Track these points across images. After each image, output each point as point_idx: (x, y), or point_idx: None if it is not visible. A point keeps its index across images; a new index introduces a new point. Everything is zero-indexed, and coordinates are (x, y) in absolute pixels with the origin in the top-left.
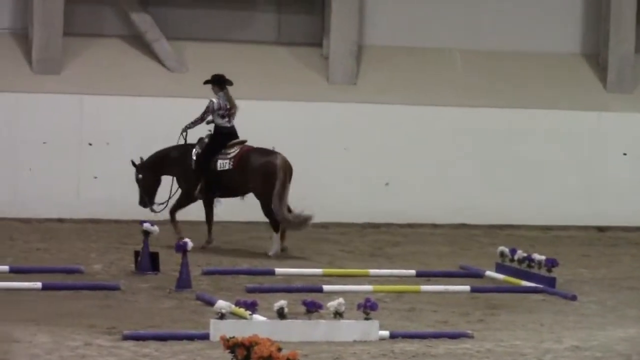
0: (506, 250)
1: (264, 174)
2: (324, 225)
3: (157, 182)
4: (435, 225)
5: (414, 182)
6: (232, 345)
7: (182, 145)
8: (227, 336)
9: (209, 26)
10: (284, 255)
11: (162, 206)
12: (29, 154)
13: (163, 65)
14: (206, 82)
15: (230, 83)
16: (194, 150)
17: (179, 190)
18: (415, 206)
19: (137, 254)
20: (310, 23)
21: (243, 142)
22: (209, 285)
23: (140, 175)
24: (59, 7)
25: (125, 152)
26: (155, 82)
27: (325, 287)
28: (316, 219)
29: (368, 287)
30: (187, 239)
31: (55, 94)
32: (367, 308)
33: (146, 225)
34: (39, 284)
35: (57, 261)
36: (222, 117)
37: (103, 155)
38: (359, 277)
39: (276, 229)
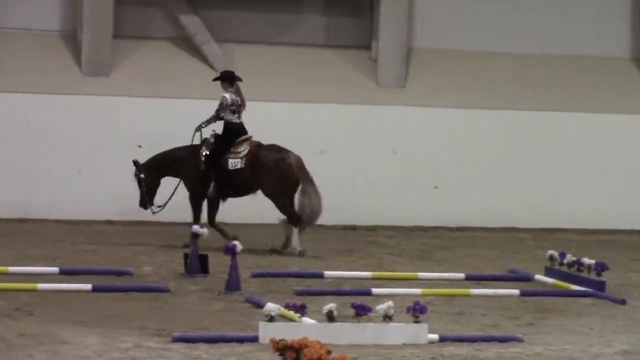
0: (555, 254)
1: (279, 172)
2: (373, 228)
3: (159, 183)
4: (484, 229)
5: (463, 186)
6: (281, 348)
7: (186, 146)
8: (277, 339)
9: (258, 29)
10: (332, 259)
11: (159, 208)
12: (78, 155)
13: (212, 67)
14: (215, 79)
15: (240, 79)
16: (202, 150)
17: (176, 192)
18: (464, 209)
19: (186, 256)
20: (359, 26)
21: (249, 137)
22: (258, 288)
23: (143, 176)
24: (108, 9)
25: None
26: (204, 85)
27: (375, 290)
28: (365, 222)
29: (417, 291)
30: (236, 242)
31: (105, 95)
32: (417, 311)
33: (195, 228)
34: (88, 286)
35: (106, 263)
36: (233, 112)
37: None
38: (408, 280)
39: (296, 224)
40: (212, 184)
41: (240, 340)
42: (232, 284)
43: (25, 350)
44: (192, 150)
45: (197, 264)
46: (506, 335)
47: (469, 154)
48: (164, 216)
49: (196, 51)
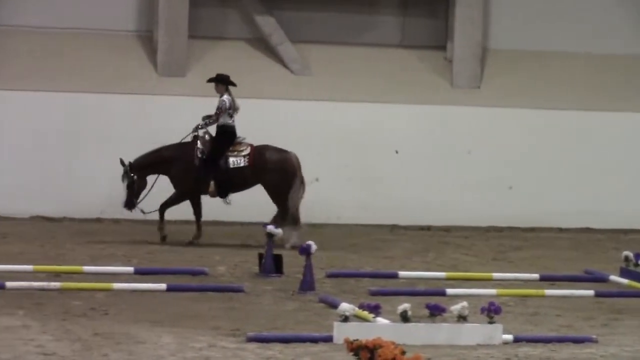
0: (631, 254)
1: (282, 170)
2: (447, 229)
3: (146, 183)
4: (559, 229)
5: (537, 186)
6: (355, 348)
7: (174, 145)
8: (351, 339)
9: (333, 29)
10: (406, 259)
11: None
12: None
13: (287, 68)
14: (210, 81)
15: (234, 84)
16: (198, 148)
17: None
18: (538, 210)
19: (261, 256)
20: (434, 26)
21: (244, 139)
22: (332, 288)
23: (134, 176)
24: (184, 10)
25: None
26: (280, 85)
27: (449, 291)
28: (440, 223)
29: (492, 291)
30: (311, 242)
31: (180, 96)
32: (491, 312)
33: (270, 228)
34: (163, 286)
35: (181, 263)
36: (230, 116)
37: None
38: (482, 281)
39: (296, 221)
40: (212, 184)
41: (315, 340)
42: (307, 284)
43: (100, 349)
44: (181, 148)
45: (272, 264)
46: (581, 336)
47: (543, 154)
48: (238, 216)
49: (271, 52)
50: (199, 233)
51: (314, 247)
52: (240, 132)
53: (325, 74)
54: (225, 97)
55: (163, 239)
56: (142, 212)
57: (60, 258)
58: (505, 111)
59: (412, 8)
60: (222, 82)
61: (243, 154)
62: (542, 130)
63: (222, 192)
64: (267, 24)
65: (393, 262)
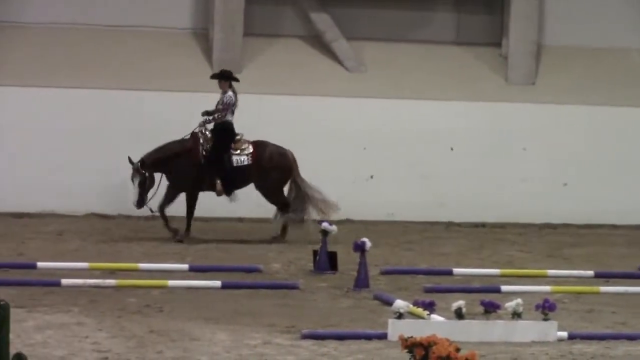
0: None
1: (282, 168)
2: (502, 226)
3: (154, 180)
4: (614, 226)
5: (592, 183)
6: (410, 345)
7: (176, 142)
8: (405, 336)
9: (388, 26)
10: (461, 256)
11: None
12: None
13: (342, 65)
14: (214, 77)
15: (238, 80)
16: (201, 145)
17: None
18: (593, 206)
19: (315, 253)
20: (489, 23)
21: (242, 135)
22: (386, 285)
23: (146, 173)
24: (239, 7)
25: (303, 152)
26: (334, 82)
27: (503, 288)
28: (494, 219)
29: (546, 288)
30: (365, 239)
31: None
32: (546, 309)
33: (325, 225)
34: (218, 283)
35: (236, 260)
36: (232, 113)
37: None
38: (537, 278)
39: (285, 211)
40: (218, 182)
41: (369, 337)
42: (361, 281)
43: (155, 346)
44: (185, 145)
45: (326, 261)
46: (635, 333)
47: (598, 151)
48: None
49: (326, 49)
50: (188, 231)
51: (368, 244)
52: (295, 130)
53: (379, 71)
54: (230, 93)
55: (175, 234)
56: (151, 210)
57: (116, 255)
58: (560, 108)
59: (467, 5)
60: (226, 79)
61: (246, 152)
62: (597, 127)
63: (227, 190)
64: (322, 21)
65: (448, 259)
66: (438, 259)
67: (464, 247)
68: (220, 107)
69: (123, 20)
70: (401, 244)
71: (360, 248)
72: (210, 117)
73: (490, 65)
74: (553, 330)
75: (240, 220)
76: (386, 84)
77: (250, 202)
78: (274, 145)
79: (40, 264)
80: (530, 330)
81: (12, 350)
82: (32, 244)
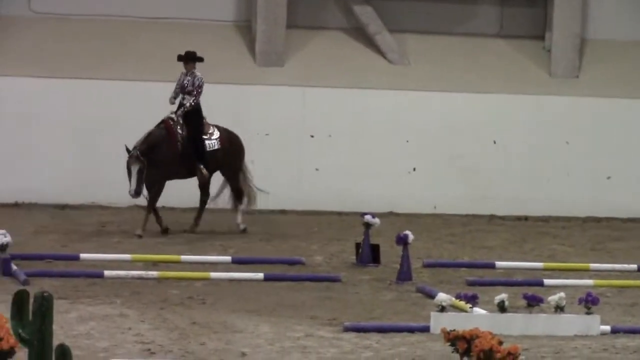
0: None
1: (241, 150)
2: (545, 219)
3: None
4: None
5: (636, 176)
6: (452, 338)
7: (155, 129)
8: (448, 329)
9: (431, 19)
10: (503, 249)
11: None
12: (252, 145)
13: (385, 57)
14: (180, 59)
15: (202, 60)
16: (179, 131)
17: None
18: (637, 200)
19: (358, 245)
20: (533, 16)
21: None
22: (429, 278)
23: (145, 162)
24: (282, 0)
25: (346, 145)
26: (377, 75)
27: (546, 281)
28: (537, 213)
29: (589, 282)
30: (408, 231)
31: (279, 86)
32: (589, 302)
33: (368, 217)
34: (260, 275)
35: (278, 252)
36: (201, 94)
37: (324, 148)
38: (579, 272)
39: (241, 200)
40: (202, 168)
41: (412, 330)
42: (404, 274)
43: (197, 338)
44: (163, 133)
45: (369, 254)
46: None
47: None
48: (337, 206)
49: (369, 41)
50: (160, 219)
51: (411, 236)
52: (338, 123)
53: (422, 63)
54: (199, 74)
55: (165, 231)
56: (146, 198)
57: (158, 247)
58: (604, 101)
59: None
60: (193, 60)
61: (215, 136)
62: None
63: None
64: (365, 13)
65: (490, 252)
66: (480, 252)
67: (507, 240)
68: (190, 88)
69: (166, 13)
70: (444, 237)
71: (402, 241)
72: (188, 104)
73: (533, 59)
74: (596, 324)
75: (283, 212)
76: (429, 77)
77: (291, 194)
78: (226, 128)
79: (83, 256)
80: (573, 324)
81: (55, 342)
82: (75, 235)
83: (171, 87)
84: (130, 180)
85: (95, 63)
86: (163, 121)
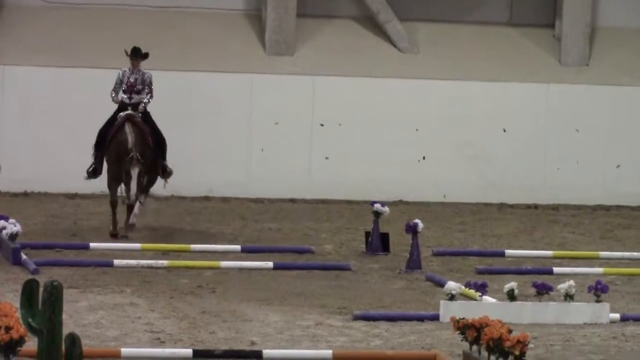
0: None
1: None
2: (555, 207)
3: None
4: None
5: None
6: (462, 327)
7: (129, 127)
8: (457, 317)
9: (441, 7)
10: (513, 238)
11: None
12: (262, 134)
13: (395, 46)
14: (132, 56)
15: (147, 56)
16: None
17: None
18: None
19: (367, 234)
20: (543, 4)
21: None
22: (439, 267)
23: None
24: None
25: (356, 133)
26: (387, 64)
27: (556, 269)
28: (547, 201)
29: (599, 270)
30: (417, 220)
31: (288, 75)
32: (598, 290)
33: (377, 206)
34: (270, 264)
35: (288, 241)
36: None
37: (334, 136)
38: (589, 260)
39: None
40: (165, 164)
41: (421, 319)
42: (413, 263)
43: (207, 327)
44: (136, 129)
45: (379, 243)
46: None
47: None
48: (347, 195)
49: (379, 30)
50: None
51: (420, 225)
52: (348, 112)
53: (432, 52)
54: (148, 71)
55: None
56: (141, 203)
57: (168, 236)
58: (614, 89)
59: None
60: (143, 57)
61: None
62: None
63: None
64: (375, 2)
65: (500, 241)
66: (490, 240)
67: (517, 228)
68: (140, 87)
69: (177, 2)
70: (453, 226)
71: (412, 229)
72: (147, 100)
73: (543, 47)
74: (605, 312)
75: (293, 201)
76: (439, 65)
77: (300, 182)
78: None
79: (93, 245)
80: (582, 312)
81: (65, 331)
82: (85, 224)
83: (184, 76)
84: (129, 184)
85: (105, 52)
86: (129, 119)
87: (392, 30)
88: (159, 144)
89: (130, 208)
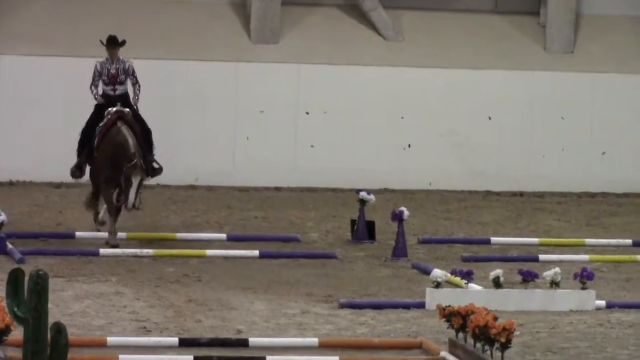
0: None
1: None
2: (540, 195)
3: None
4: None
5: (631, 151)
6: (448, 314)
7: (120, 128)
8: (443, 305)
9: None
10: (499, 225)
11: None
12: (247, 122)
13: (380, 34)
14: (109, 44)
15: (124, 43)
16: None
17: None
18: (632, 175)
19: (353, 222)
20: None
21: None
22: (424, 254)
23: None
24: None
25: (341, 121)
26: (372, 51)
27: (541, 257)
28: (533, 189)
29: (584, 257)
30: (403, 208)
31: (273, 63)
32: (584, 278)
33: (363, 194)
34: (256, 252)
35: (274, 229)
36: None
37: (320, 124)
38: (575, 247)
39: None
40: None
41: (407, 307)
42: (399, 251)
43: (193, 315)
44: (127, 128)
45: (364, 231)
46: None
47: (637, 119)
48: (332, 183)
49: (364, 18)
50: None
51: (406, 213)
52: (333, 100)
53: (417, 40)
54: (126, 58)
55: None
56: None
57: (154, 225)
58: (599, 76)
59: None
60: (120, 44)
61: None
62: (635, 95)
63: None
64: None
65: (485, 228)
66: (476, 228)
67: (502, 216)
68: (123, 77)
69: None
70: (439, 213)
71: (398, 217)
72: (137, 92)
73: (528, 34)
74: (591, 299)
75: (278, 189)
76: (424, 53)
77: (284, 171)
78: None
79: (78, 234)
80: (568, 299)
81: (51, 320)
82: (70, 214)
83: (169, 65)
84: (128, 192)
85: (89, 41)
86: (121, 117)
87: (377, 18)
88: (146, 138)
89: (118, 211)
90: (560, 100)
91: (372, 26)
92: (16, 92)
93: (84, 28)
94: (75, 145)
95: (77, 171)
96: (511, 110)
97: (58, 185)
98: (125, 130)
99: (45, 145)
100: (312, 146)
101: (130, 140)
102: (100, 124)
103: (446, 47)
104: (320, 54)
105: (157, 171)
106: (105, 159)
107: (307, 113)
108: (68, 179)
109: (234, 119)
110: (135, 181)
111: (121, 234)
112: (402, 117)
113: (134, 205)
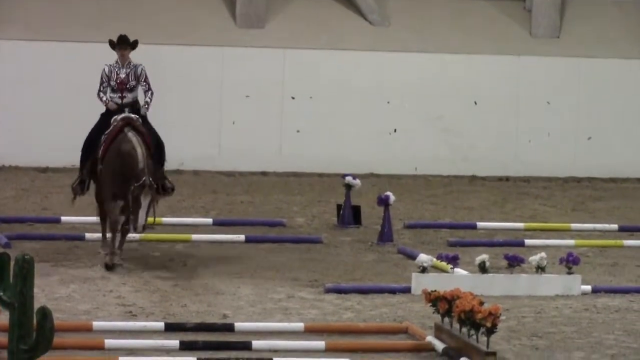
0: None
1: None
2: (526, 180)
3: None
4: (638, 180)
5: (616, 136)
6: (434, 299)
7: (130, 136)
8: (429, 290)
9: None
10: (485, 210)
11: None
12: (233, 107)
13: (366, 19)
14: (120, 43)
15: (137, 44)
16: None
17: None
18: (618, 160)
19: (339, 207)
20: None
21: None
22: (410, 239)
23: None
24: None
25: (327, 106)
26: (358, 36)
27: (527, 242)
28: (519, 173)
29: (570, 242)
30: (389, 193)
31: (259, 47)
32: (570, 262)
33: (349, 179)
34: (242, 237)
35: (260, 214)
36: None
37: (306, 109)
38: (561, 232)
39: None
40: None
41: (393, 291)
42: (385, 235)
43: (179, 300)
44: (138, 137)
45: (350, 215)
46: None
47: (623, 104)
48: (318, 168)
49: (350, 3)
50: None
51: (392, 198)
52: (319, 84)
53: (403, 24)
54: (137, 62)
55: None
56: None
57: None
58: (585, 61)
59: None
60: (132, 45)
61: None
62: (621, 80)
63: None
64: None
65: (471, 213)
66: (462, 212)
67: (488, 201)
68: (134, 83)
69: None
70: (425, 198)
71: (384, 202)
72: (148, 100)
73: (514, 19)
74: (577, 284)
75: (264, 174)
76: (410, 38)
77: (272, 156)
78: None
79: (64, 219)
80: (554, 283)
81: (37, 305)
82: (56, 198)
83: (154, 49)
84: (137, 214)
85: (76, 25)
86: (129, 123)
87: (363, 3)
88: (157, 149)
89: (125, 233)
90: (546, 85)
91: (358, 11)
92: (3, 76)
93: (71, 13)
94: (63, 128)
95: (79, 187)
96: (497, 95)
97: (44, 170)
98: (133, 138)
99: (31, 130)
100: (297, 131)
101: (139, 150)
102: (106, 132)
103: (432, 32)
104: (306, 39)
105: (169, 191)
106: (111, 172)
107: (293, 98)
108: (54, 163)
109: (220, 104)
110: (144, 202)
111: None
112: (388, 102)
113: (144, 228)
